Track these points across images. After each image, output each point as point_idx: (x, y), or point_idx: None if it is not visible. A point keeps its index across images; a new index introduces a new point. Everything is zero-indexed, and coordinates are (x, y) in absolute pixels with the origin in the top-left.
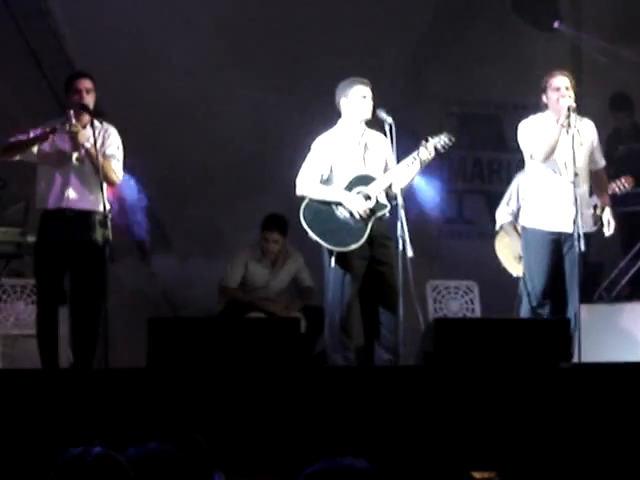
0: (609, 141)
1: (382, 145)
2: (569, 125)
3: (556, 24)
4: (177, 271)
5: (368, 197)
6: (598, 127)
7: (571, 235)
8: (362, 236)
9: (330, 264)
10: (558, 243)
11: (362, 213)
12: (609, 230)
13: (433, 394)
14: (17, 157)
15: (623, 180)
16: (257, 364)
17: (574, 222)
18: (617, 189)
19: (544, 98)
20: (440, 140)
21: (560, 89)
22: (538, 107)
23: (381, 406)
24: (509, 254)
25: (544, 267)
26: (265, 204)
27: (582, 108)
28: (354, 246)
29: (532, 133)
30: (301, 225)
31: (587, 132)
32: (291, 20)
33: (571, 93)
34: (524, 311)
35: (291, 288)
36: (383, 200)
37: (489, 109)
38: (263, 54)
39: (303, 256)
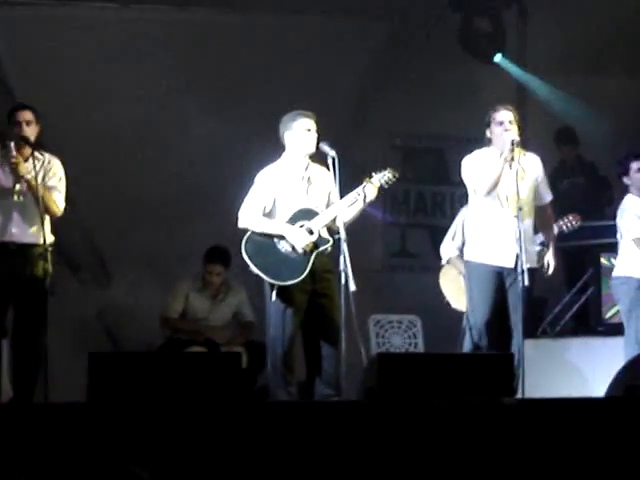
0: (555, 174)
1: (325, 179)
2: (512, 159)
3: (497, 58)
4: (119, 303)
5: (311, 231)
6: (544, 161)
7: (514, 269)
8: (304, 270)
9: (271, 298)
10: (501, 277)
11: (305, 247)
12: (549, 271)
13: (375, 430)
14: None
15: (571, 218)
16: (198, 399)
17: (517, 257)
18: (564, 227)
19: (488, 133)
20: (384, 176)
21: (504, 123)
22: (482, 140)
23: (323, 442)
24: (454, 288)
25: (487, 301)
26: (210, 233)
27: (527, 142)
28: (295, 280)
29: (475, 168)
30: (242, 258)
31: (532, 166)
32: (241, 51)
33: (514, 127)
34: (467, 345)
35: (232, 322)
36: (325, 235)
37: (433, 142)
38: (215, 84)
39: (245, 290)
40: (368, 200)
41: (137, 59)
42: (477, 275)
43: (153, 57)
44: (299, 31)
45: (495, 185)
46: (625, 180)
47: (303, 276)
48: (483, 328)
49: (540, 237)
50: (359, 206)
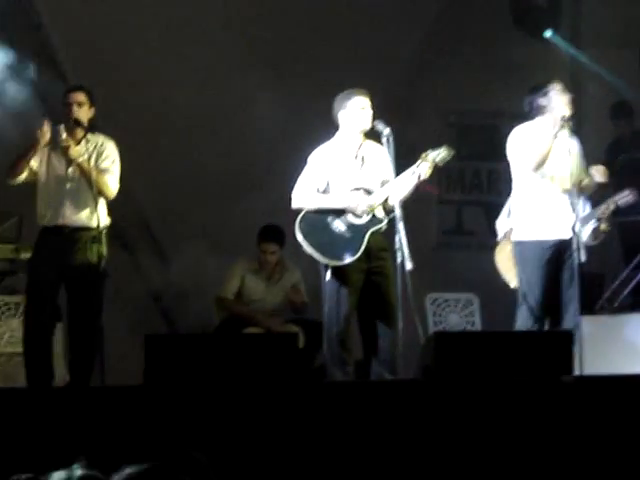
0: (610, 150)
1: (380, 157)
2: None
3: (547, 33)
4: (176, 284)
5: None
6: (600, 137)
7: (569, 243)
8: (359, 249)
9: (326, 277)
10: (556, 252)
11: (365, 209)
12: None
13: (433, 409)
14: (23, 177)
15: (627, 192)
16: (255, 380)
17: (573, 230)
18: (620, 202)
19: (543, 101)
20: (439, 154)
21: (565, 94)
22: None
23: (381, 421)
24: (511, 265)
25: (541, 281)
26: (266, 211)
27: (582, 119)
28: (350, 259)
29: (524, 142)
30: (296, 237)
31: (577, 146)
32: (298, 28)
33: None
34: (522, 323)
35: (287, 302)
36: (380, 214)
37: (487, 119)
38: (272, 60)
39: (300, 270)
40: (423, 178)
41: (194, 35)
42: (532, 255)
43: (211, 33)
44: (354, 6)
45: (544, 160)
46: None
47: (358, 255)
48: (538, 307)
49: (595, 213)
50: (413, 183)
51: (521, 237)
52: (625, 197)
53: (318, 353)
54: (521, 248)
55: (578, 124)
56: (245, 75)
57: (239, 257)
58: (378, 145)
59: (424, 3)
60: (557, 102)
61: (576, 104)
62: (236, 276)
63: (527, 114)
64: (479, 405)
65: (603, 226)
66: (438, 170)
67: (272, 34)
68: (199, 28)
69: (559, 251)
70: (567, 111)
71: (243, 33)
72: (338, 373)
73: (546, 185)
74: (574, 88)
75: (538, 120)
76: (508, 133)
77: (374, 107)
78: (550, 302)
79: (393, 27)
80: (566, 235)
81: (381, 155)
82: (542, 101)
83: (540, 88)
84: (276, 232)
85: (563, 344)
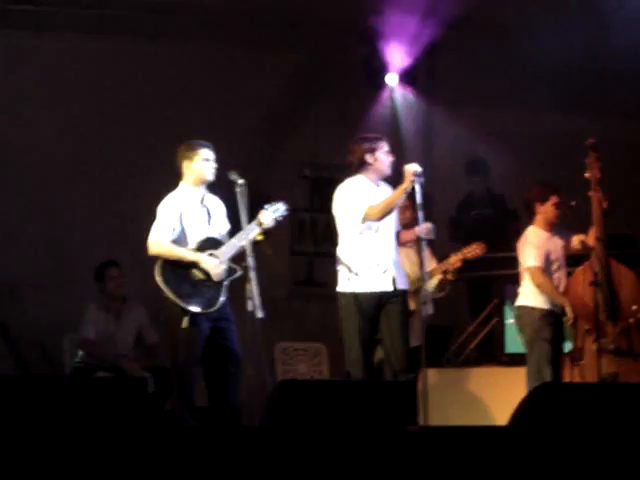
0: (461, 205)
1: (220, 208)
2: (412, 189)
3: (388, 79)
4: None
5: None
6: (451, 192)
7: (393, 294)
8: (218, 299)
9: (183, 324)
10: (380, 302)
11: (220, 274)
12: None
13: (276, 456)
14: None
15: (475, 246)
16: (105, 424)
17: (394, 280)
18: (468, 255)
19: (370, 158)
20: (277, 210)
21: (389, 155)
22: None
23: (225, 467)
24: None
25: (363, 331)
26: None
27: (433, 173)
28: (212, 309)
29: (353, 197)
30: (157, 285)
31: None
32: (146, 80)
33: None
34: (346, 372)
35: (137, 343)
36: (232, 264)
37: (340, 173)
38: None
39: (144, 310)
40: (265, 231)
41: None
42: (350, 306)
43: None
44: (207, 62)
45: (390, 213)
46: (538, 208)
47: (218, 305)
48: (360, 357)
49: (441, 266)
50: (256, 236)
51: (345, 288)
52: (473, 251)
53: (168, 398)
54: (342, 299)
55: (429, 179)
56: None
57: (88, 300)
58: (217, 198)
59: (282, 59)
60: (382, 160)
61: (428, 158)
62: (91, 315)
63: (354, 167)
64: (324, 454)
65: (449, 276)
66: (290, 222)
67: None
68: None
69: (381, 302)
70: (411, 170)
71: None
72: (189, 419)
73: (371, 237)
74: (427, 144)
75: (361, 175)
76: None
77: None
78: (370, 353)
79: (250, 80)
80: (389, 286)
81: (222, 207)
82: (369, 158)
83: (369, 144)
84: (111, 262)
85: (407, 394)
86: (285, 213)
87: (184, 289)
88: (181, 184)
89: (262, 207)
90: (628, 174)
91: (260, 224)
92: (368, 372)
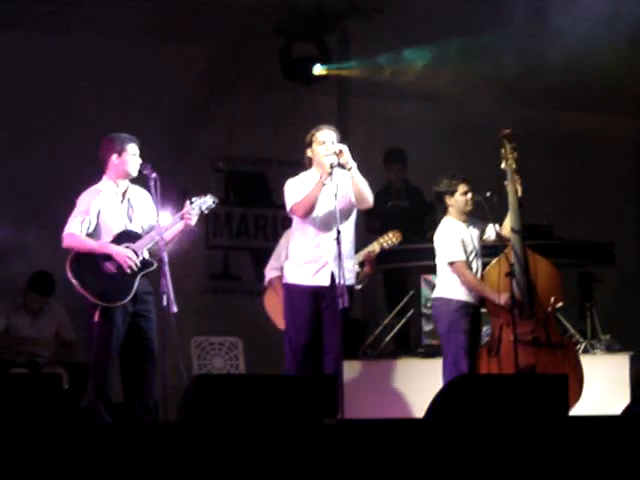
0: (379, 196)
1: (146, 201)
2: (332, 183)
3: (316, 69)
4: None
5: (135, 253)
6: (370, 182)
7: (331, 290)
8: (129, 291)
9: (95, 318)
10: (317, 297)
11: (133, 267)
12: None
13: (193, 452)
14: None
15: (391, 235)
16: (19, 420)
17: (332, 276)
18: (385, 244)
19: (309, 152)
20: (205, 202)
21: (326, 142)
22: (303, 163)
23: (142, 462)
24: (278, 309)
25: (303, 322)
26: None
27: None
28: (122, 302)
29: (294, 191)
30: (67, 278)
31: (344, 185)
32: (58, 73)
33: (336, 147)
34: (288, 366)
35: (54, 342)
36: (147, 256)
37: (255, 166)
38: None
39: (64, 308)
40: (188, 224)
41: None
42: (294, 296)
43: None
44: (119, 55)
45: (311, 207)
46: (448, 201)
47: (129, 298)
48: (301, 348)
49: (358, 257)
50: (179, 229)
51: (287, 279)
52: (389, 239)
53: (84, 394)
54: (286, 290)
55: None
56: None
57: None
58: (143, 190)
59: (194, 51)
60: (318, 152)
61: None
62: (2, 312)
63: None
64: (239, 448)
65: (366, 269)
66: (205, 216)
67: None
68: None
69: (318, 297)
70: (327, 162)
71: None
72: (105, 415)
73: (309, 230)
74: (343, 135)
75: (309, 171)
76: (275, 179)
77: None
78: (313, 344)
79: (162, 73)
80: (326, 282)
81: (147, 199)
82: (308, 152)
83: (309, 139)
84: (46, 284)
85: (326, 388)
86: (213, 206)
87: (94, 282)
88: (104, 177)
89: (186, 200)
90: (543, 164)
91: (182, 217)
92: None
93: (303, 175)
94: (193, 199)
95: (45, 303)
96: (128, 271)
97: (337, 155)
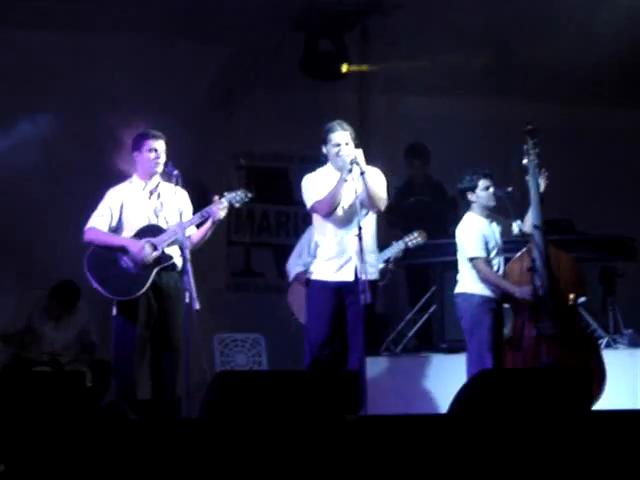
0: (400, 192)
1: (177, 197)
2: (352, 179)
3: (344, 68)
4: None
5: (155, 247)
6: (389, 178)
7: (354, 285)
8: (143, 285)
9: (113, 313)
10: (338, 294)
11: (146, 260)
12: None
13: (216, 449)
14: None
15: (416, 234)
16: (43, 418)
17: (356, 272)
18: (409, 243)
19: (324, 150)
20: (236, 196)
21: (340, 145)
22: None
23: (166, 459)
24: (302, 305)
25: (325, 317)
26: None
27: (370, 159)
28: (133, 296)
29: (314, 188)
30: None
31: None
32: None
33: (351, 147)
34: (307, 361)
35: (76, 342)
36: (170, 251)
37: (276, 162)
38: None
39: (90, 309)
40: (216, 219)
41: None
42: (316, 292)
43: None
44: (140, 53)
45: (335, 206)
46: (470, 197)
47: (142, 291)
48: (321, 343)
49: (385, 254)
50: (208, 224)
51: (310, 275)
52: (414, 239)
53: (107, 392)
54: (309, 286)
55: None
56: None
57: (28, 292)
58: (180, 189)
59: (215, 49)
60: (333, 154)
61: (359, 144)
62: (23, 312)
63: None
64: (263, 445)
65: (390, 266)
66: (227, 212)
67: None
68: None
69: (342, 293)
70: (347, 159)
71: None
72: (128, 411)
73: (330, 227)
74: (363, 132)
75: (326, 167)
76: (297, 176)
77: (167, 149)
78: (334, 339)
79: (185, 70)
80: (349, 277)
81: (179, 196)
82: (323, 149)
83: (323, 137)
84: (68, 294)
85: (349, 384)
86: (247, 200)
87: (109, 277)
88: (134, 174)
89: (208, 196)
90: (565, 160)
91: (212, 210)
92: None
93: (320, 171)
94: (225, 193)
95: (67, 310)
96: (141, 263)
97: (352, 164)
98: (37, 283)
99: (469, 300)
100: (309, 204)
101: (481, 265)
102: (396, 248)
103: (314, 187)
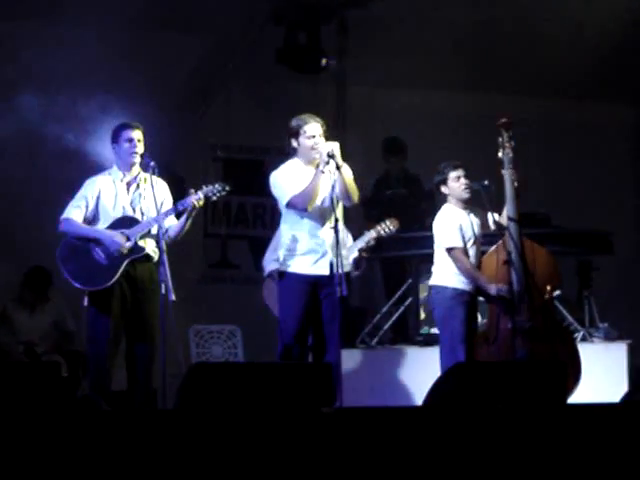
0: (377, 185)
1: (157, 188)
2: (329, 171)
3: (323, 62)
4: None
5: (128, 238)
6: (368, 171)
7: (330, 279)
8: (114, 275)
9: (84, 303)
10: (315, 288)
11: (117, 251)
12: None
13: (191, 440)
14: None
15: (388, 222)
16: (19, 408)
17: (331, 265)
18: (382, 231)
19: (294, 143)
20: (213, 189)
21: (315, 137)
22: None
23: (141, 450)
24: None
25: (299, 310)
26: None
27: (346, 152)
28: (103, 286)
29: (287, 181)
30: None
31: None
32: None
33: (329, 147)
34: (279, 353)
35: (53, 332)
36: (144, 243)
37: (253, 154)
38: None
39: (63, 298)
40: (193, 211)
41: None
42: (289, 285)
43: None
44: (116, 43)
45: (314, 198)
46: (443, 189)
47: (111, 282)
48: (292, 337)
49: (357, 244)
50: (184, 218)
51: (283, 268)
52: (386, 227)
53: (82, 382)
54: (282, 278)
55: (344, 159)
56: None
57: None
58: (158, 178)
59: (192, 41)
60: (305, 146)
61: (342, 140)
62: None
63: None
64: (238, 436)
65: (364, 254)
66: (203, 204)
67: None
68: None
69: (317, 287)
70: (324, 151)
71: None
72: (102, 402)
73: (306, 220)
74: (341, 124)
75: (294, 160)
76: (274, 168)
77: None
78: (305, 332)
79: (161, 62)
80: (325, 271)
81: (159, 187)
82: (293, 142)
83: (294, 129)
84: (40, 280)
85: (324, 376)
86: (224, 193)
87: (80, 267)
88: (114, 165)
89: (185, 189)
90: (542, 153)
91: (188, 202)
92: None
93: (288, 165)
94: (203, 186)
95: (40, 298)
96: (115, 255)
97: (330, 157)
98: (13, 268)
99: (442, 292)
100: (285, 199)
101: (459, 255)
102: (367, 236)
103: (288, 182)
